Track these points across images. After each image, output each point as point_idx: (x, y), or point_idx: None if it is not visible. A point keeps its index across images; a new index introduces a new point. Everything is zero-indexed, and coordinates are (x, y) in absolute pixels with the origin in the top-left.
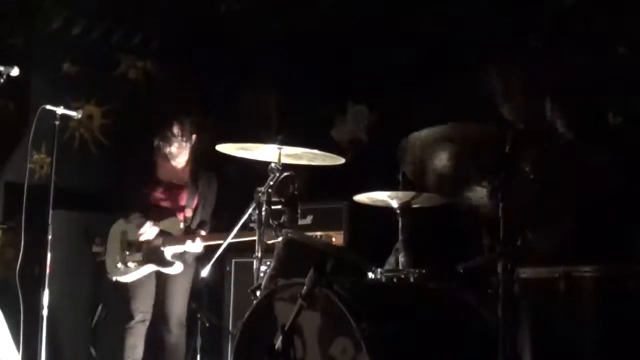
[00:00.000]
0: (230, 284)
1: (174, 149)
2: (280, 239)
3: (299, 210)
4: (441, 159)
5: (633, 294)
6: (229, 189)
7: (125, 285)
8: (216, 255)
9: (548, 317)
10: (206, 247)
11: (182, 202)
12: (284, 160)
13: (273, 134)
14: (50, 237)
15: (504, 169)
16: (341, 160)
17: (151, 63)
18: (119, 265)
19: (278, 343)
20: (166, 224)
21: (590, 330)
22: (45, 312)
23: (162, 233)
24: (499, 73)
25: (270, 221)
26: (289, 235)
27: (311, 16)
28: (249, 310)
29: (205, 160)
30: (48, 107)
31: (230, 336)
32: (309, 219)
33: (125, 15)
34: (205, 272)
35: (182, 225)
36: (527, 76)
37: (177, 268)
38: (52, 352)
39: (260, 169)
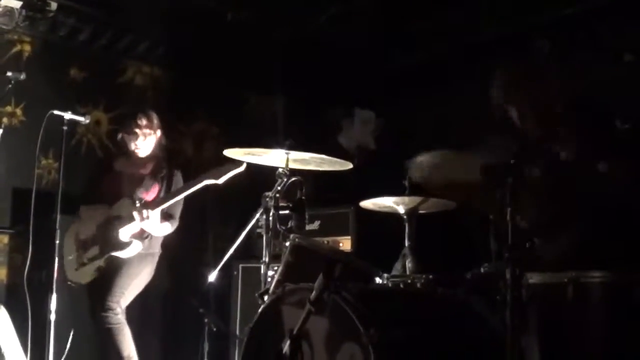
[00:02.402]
0: (237, 289)
1: (138, 141)
2: (287, 244)
3: (307, 216)
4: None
5: None
6: (236, 195)
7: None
8: (223, 260)
9: (556, 323)
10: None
11: (138, 187)
12: (292, 165)
13: (280, 139)
14: (57, 242)
15: (511, 177)
16: (349, 166)
17: (158, 69)
18: (76, 267)
19: (285, 348)
20: (117, 207)
21: (598, 336)
22: (53, 317)
23: (114, 217)
24: (506, 80)
25: (278, 226)
26: (297, 240)
27: (317, 22)
28: (256, 315)
29: (171, 159)
30: (56, 112)
31: (237, 341)
32: (316, 224)
33: (131, 22)
34: (212, 277)
35: (131, 203)
36: (535, 83)
37: (134, 247)
38: (59, 356)
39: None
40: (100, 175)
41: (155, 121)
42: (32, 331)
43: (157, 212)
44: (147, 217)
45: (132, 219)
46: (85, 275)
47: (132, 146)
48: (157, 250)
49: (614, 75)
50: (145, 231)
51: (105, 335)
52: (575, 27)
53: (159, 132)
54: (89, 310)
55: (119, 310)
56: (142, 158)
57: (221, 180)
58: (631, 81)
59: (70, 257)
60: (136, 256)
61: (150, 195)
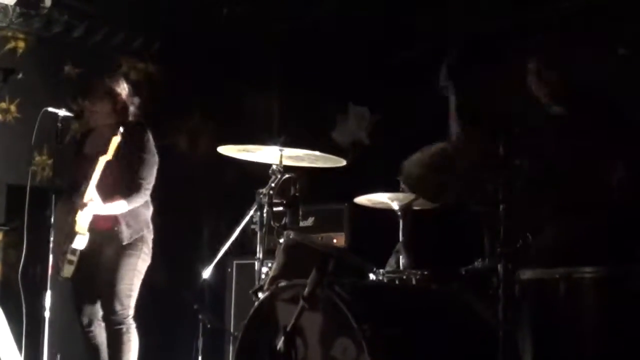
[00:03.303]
0: (231, 286)
1: (90, 112)
2: (281, 240)
3: (301, 212)
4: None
5: (634, 295)
6: (231, 191)
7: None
8: (218, 257)
9: (549, 319)
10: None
11: (94, 169)
12: (286, 162)
13: (274, 135)
14: (52, 238)
15: (502, 170)
16: (342, 162)
17: (152, 65)
18: (65, 263)
19: (280, 344)
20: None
21: (591, 332)
22: (47, 314)
23: (75, 208)
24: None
25: (272, 223)
26: (291, 236)
27: (312, 18)
28: (250, 312)
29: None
30: (50, 109)
31: (231, 338)
32: (310, 221)
33: (126, 17)
34: (206, 274)
35: (85, 191)
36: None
37: (80, 240)
38: (54, 353)
39: None
40: (71, 163)
41: (113, 85)
42: (26, 328)
43: (92, 193)
44: (88, 202)
45: (81, 207)
46: (63, 269)
47: (88, 116)
48: (143, 231)
49: (609, 68)
50: (111, 218)
51: (113, 340)
52: (573, 20)
53: (122, 98)
54: (85, 315)
55: (130, 313)
56: (106, 132)
57: (109, 155)
58: (625, 75)
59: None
60: (126, 249)
61: (112, 172)
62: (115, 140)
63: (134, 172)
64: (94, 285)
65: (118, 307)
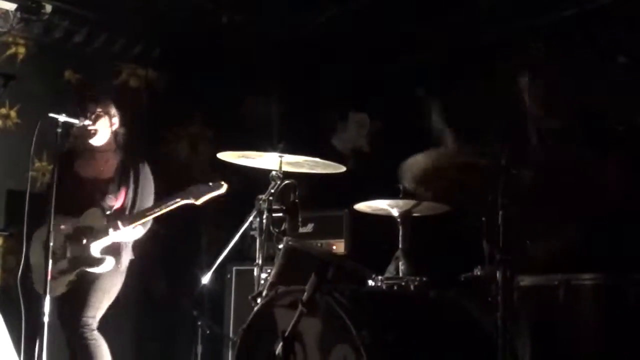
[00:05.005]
0: (230, 292)
1: (90, 127)
2: (281, 246)
3: (300, 218)
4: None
5: (631, 302)
6: (230, 197)
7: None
8: (217, 263)
9: (547, 325)
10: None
11: (105, 193)
12: (285, 168)
13: (274, 142)
14: (51, 244)
15: (502, 180)
16: (342, 169)
17: (153, 71)
18: (61, 283)
19: (278, 349)
20: (86, 217)
21: (589, 338)
22: (46, 319)
23: (84, 229)
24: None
25: (271, 229)
26: (290, 243)
27: (312, 25)
28: (249, 317)
29: (133, 150)
30: (50, 115)
31: (230, 343)
32: (309, 227)
33: (126, 24)
34: (206, 280)
35: (102, 214)
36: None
37: (107, 264)
38: (53, 358)
39: None
40: (63, 180)
41: (109, 108)
42: (25, 334)
43: (130, 227)
44: (121, 230)
45: (104, 232)
46: (55, 288)
47: (86, 135)
48: (130, 258)
49: (609, 77)
50: (118, 245)
51: (81, 351)
52: (573, 29)
53: (115, 121)
54: (60, 324)
55: (94, 325)
56: (102, 157)
57: (200, 202)
58: (625, 83)
59: (39, 266)
60: (109, 271)
61: (119, 201)
62: (214, 192)
63: (138, 200)
64: (77, 298)
65: (85, 315)
